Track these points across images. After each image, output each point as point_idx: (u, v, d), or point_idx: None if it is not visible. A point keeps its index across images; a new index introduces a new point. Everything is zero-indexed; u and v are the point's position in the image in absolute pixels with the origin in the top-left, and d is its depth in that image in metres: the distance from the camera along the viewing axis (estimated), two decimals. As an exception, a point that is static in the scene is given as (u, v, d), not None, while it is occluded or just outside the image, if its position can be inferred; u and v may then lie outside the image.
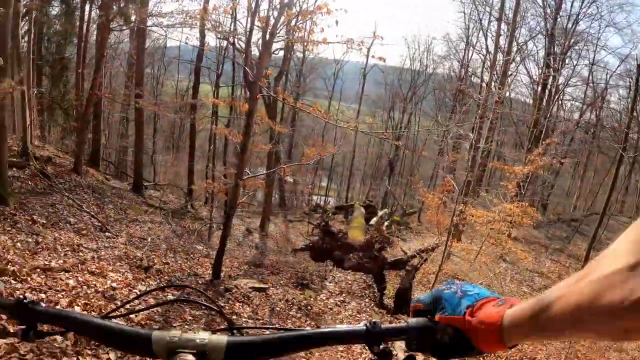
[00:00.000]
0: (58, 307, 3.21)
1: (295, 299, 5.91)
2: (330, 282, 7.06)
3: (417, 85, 27.04)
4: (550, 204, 22.84)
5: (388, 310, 6.44)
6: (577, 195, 25.42)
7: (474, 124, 10.25)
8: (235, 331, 0.64)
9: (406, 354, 0.57)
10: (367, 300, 6.48)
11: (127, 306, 2.82)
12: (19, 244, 4.63)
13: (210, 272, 6.38)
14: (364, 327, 0.56)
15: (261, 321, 4.84)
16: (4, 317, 2.13)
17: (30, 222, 5.64)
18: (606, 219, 12.88)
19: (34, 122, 10.26)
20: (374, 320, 0.58)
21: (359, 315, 5.61)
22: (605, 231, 13.07)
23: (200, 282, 5.99)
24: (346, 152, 25.21)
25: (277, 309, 5.30)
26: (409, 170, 26.29)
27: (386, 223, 9.65)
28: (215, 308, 0.76)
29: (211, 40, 19.17)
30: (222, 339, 0.57)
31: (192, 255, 7.58)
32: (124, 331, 0.61)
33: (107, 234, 7.19)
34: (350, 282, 7.23)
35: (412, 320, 0.58)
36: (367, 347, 0.57)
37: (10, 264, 3.85)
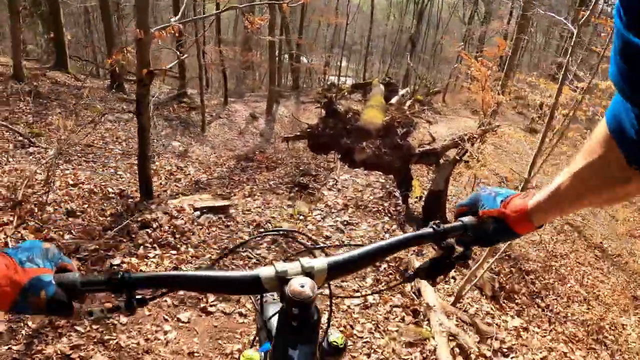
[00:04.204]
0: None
1: (271, 221, 3.76)
2: (330, 189, 4.44)
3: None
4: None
5: (416, 222, 4.32)
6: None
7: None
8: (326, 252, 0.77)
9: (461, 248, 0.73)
10: (385, 218, 3.95)
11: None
12: None
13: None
14: (431, 230, 0.70)
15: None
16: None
17: None
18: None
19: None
20: (437, 222, 0.71)
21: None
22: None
23: (119, 207, 4.14)
24: (364, 30, 22.07)
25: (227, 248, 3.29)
26: (432, 47, 23.24)
27: (408, 103, 7.07)
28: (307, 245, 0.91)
29: None
30: (324, 260, 0.64)
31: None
32: (230, 276, 0.63)
33: (30, 149, 5.46)
34: (360, 189, 4.51)
35: (465, 219, 0.73)
36: (434, 244, 0.71)
37: None
